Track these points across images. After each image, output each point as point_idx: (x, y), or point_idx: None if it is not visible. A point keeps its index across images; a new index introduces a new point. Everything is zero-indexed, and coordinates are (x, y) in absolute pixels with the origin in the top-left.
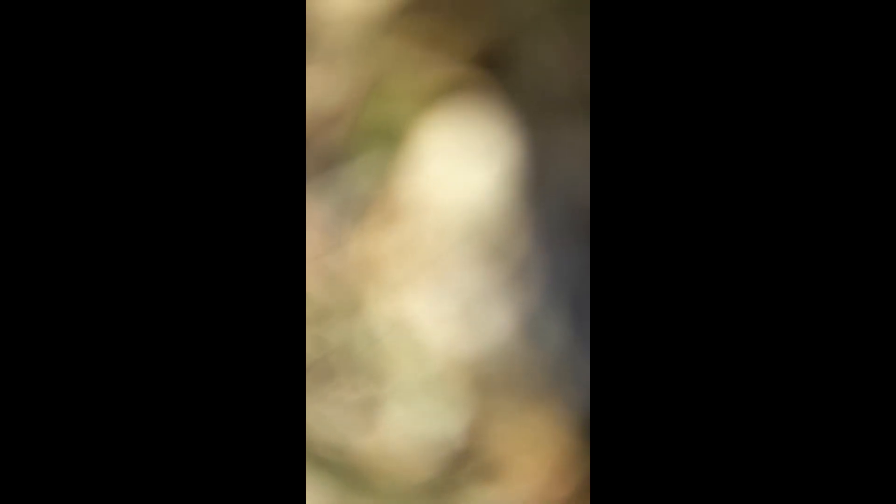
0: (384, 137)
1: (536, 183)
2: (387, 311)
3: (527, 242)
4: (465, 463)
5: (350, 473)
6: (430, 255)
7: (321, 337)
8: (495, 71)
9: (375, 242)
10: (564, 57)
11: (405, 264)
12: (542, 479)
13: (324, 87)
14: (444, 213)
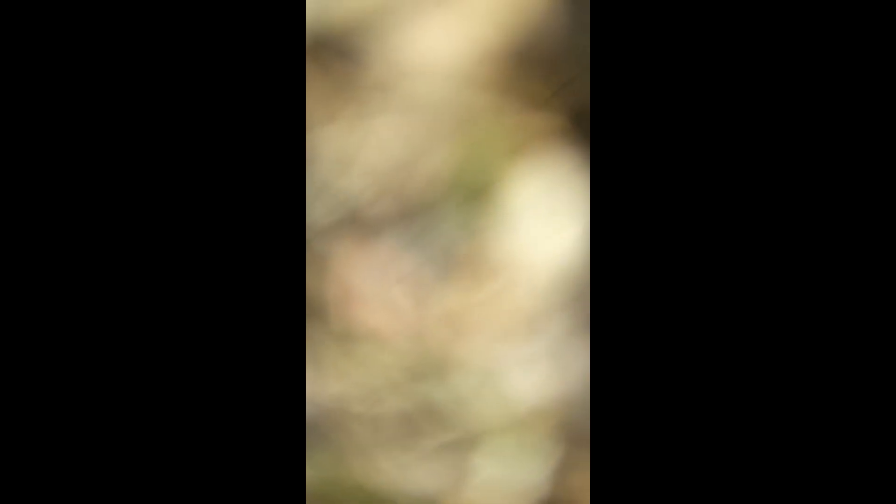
0: (468, 189)
1: None
2: (474, 361)
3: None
4: None
5: None
6: (516, 307)
7: (409, 388)
8: (578, 121)
9: (461, 294)
10: None
11: (492, 316)
12: None
13: (404, 136)
14: (530, 266)
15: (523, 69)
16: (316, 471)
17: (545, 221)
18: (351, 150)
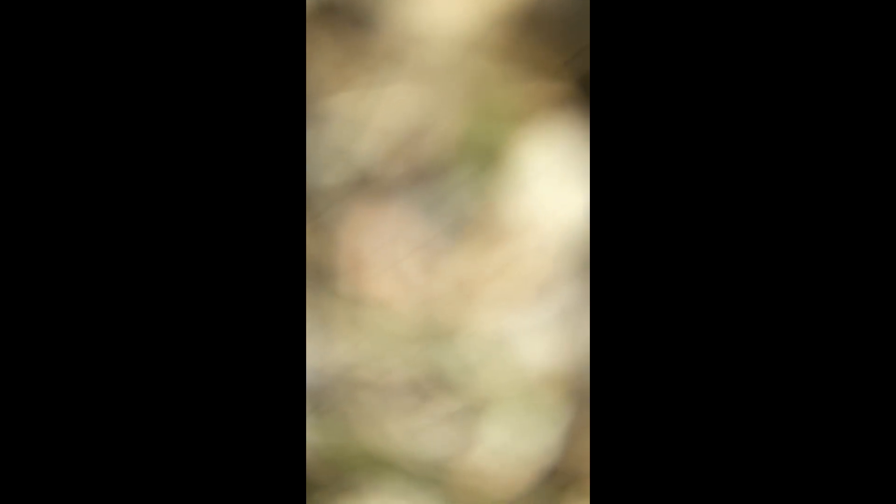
0: (480, 154)
1: None
2: (483, 327)
3: None
4: (558, 477)
5: (446, 490)
6: (526, 273)
7: (418, 354)
8: (586, 88)
9: (471, 260)
10: None
11: (502, 281)
12: None
13: (415, 102)
14: (541, 231)
15: (532, 36)
16: (324, 438)
17: (556, 187)
18: (363, 115)
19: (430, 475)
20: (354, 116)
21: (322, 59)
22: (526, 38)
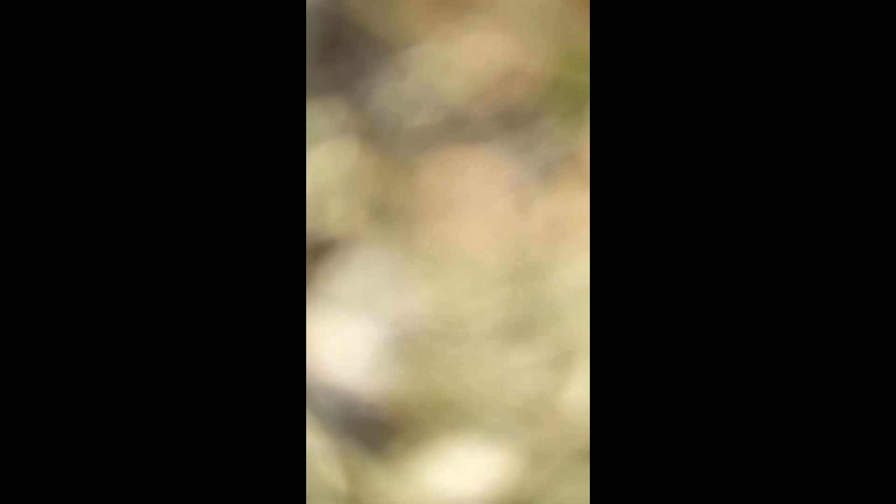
0: (571, 99)
1: None
2: (573, 273)
3: None
4: None
5: (530, 439)
6: None
7: (507, 300)
8: None
9: (564, 203)
10: None
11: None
12: None
13: (501, 49)
14: None
15: None
16: (405, 386)
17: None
18: (451, 58)
19: (515, 423)
20: (442, 59)
21: (409, 7)
22: None
